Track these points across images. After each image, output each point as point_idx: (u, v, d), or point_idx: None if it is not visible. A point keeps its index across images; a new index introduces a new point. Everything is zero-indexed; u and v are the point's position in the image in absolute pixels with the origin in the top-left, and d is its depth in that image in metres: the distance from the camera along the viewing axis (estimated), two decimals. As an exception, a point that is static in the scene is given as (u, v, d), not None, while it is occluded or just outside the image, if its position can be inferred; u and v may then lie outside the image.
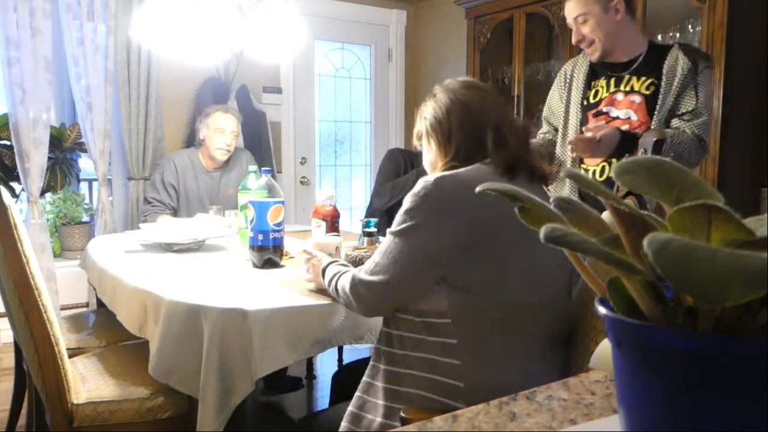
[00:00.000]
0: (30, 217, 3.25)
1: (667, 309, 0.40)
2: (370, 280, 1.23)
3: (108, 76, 3.44)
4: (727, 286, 0.31)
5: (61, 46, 3.38)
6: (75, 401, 1.55)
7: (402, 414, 1.17)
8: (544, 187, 1.34)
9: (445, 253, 1.17)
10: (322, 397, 2.83)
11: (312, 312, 1.49)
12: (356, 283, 1.26)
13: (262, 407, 2.66)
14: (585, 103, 2.19)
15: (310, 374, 3.03)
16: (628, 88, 2.09)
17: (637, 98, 2.07)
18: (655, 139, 1.88)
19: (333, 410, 1.48)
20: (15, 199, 3.30)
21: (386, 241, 1.22)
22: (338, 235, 1.99)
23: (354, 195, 4.84)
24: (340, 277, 1.35)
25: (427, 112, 1.33)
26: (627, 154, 1.97)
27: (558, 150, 2.27)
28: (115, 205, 3.65)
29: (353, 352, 3.02)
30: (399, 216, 1.21)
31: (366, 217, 2.92)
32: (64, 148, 3.49)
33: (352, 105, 4.78)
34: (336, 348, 2.77)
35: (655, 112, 2.02)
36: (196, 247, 2.24)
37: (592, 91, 2.18)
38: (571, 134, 2.20)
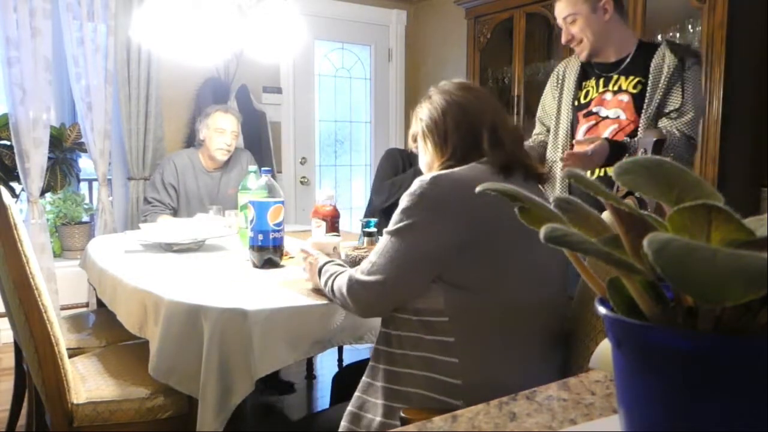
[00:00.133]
0: (30, 217, 3.25)
1: (667, 309, 0.40)
2: (366, 280, 1.22)
3: (108, 76, 3.44)
4: (727, 286, 0.31)
5: (61, 46, 3.38)
6: (75, 401, 1.55)
7: (401, 414, 1.17)
8: (539, 186, 1.35)
9: (442, 251, 1.17)
10: (322, 398, 2.83)
11: (312, 312, 1.49)
12: (353, 284, 1.25)
13: (260, 408, 2.66)
14: (576, 103, 2.19)
15: (310, 374, 3.03)
16: (616, 88, 2.10)
17: (624, 97, 2.07)
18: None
19: (333, 410, 1.48)
20: (15, 199, 3.30)
21: (383, 241, 1.22)
22: (338, 235, 1.99)
23: (354, 195, 4.84)
24: (336, 277, 1.34)
25: (423, 113, 1.33)
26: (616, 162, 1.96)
27: (549, 151, 2.27)
28: (115, 205, 3.65)
29: (353, 353, 3.02)
30: (395, 215, 1.21)
31: (366, 215, 2.92)
32: (64, 148, 3.49)
33: (352, 105, 4.78)
34: (336, 348, 2.77)
35: (643, 111, 2.02)
36: (196, 247, 2.24)
37: (583, 92, 2.18)
38: (562, 135, 2.20)
